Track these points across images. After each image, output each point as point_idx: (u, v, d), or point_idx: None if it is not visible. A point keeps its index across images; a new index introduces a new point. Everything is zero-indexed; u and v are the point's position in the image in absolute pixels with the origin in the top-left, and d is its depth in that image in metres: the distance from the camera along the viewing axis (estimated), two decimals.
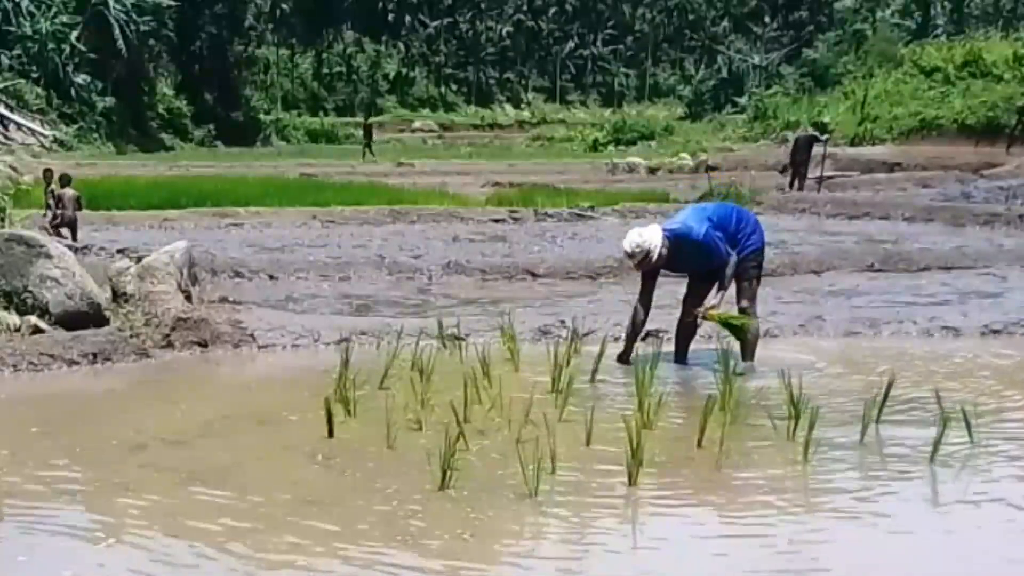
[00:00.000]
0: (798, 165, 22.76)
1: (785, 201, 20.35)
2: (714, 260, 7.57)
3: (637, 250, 7.52)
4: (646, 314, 7.85)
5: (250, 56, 64.30)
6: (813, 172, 22.84)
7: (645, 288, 7.83)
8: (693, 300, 7.85)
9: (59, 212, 14.69)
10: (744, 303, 7.77)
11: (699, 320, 7.79)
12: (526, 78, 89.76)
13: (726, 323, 7.72)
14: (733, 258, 7.54)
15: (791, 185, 22.70)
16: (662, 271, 7.84)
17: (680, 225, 7.72)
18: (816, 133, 24.54)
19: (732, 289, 7.70)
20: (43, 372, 7.75)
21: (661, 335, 8.33)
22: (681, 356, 7.95)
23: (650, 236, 7.51)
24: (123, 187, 19.89)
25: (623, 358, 7.76)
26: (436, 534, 4.75)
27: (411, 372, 7.14)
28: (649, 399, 6.30)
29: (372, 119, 41.67)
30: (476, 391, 6.54)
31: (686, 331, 7.99)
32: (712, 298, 7.59)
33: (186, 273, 9.47)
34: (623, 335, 8.02)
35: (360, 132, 37.79)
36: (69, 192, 14.93)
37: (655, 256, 7.50)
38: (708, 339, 8.42)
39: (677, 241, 7.57)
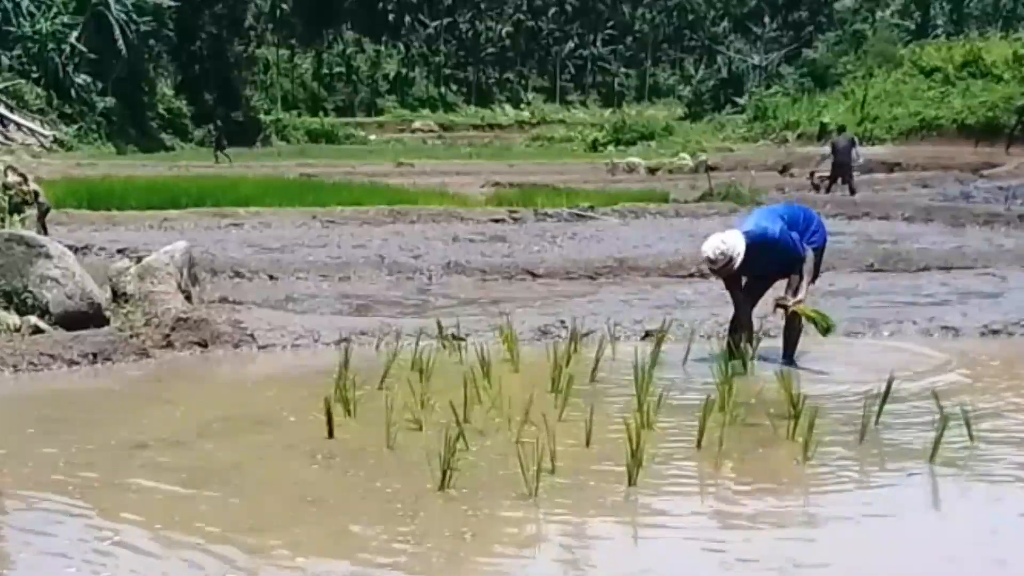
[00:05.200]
0: (843, 168, 22.68)
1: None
2: (791, 257, 7.66)
3: (721, 256, 7.48)
4: (748, 318, 7.87)
5: (250, 56, 64.28)
6: (810, 173, 22.88)
7: (735, 298, 7.86)
8: (752, 298, 7.92)
9: (42, 202, 14.56)
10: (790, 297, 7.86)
11: (782, 313, 7.85)
12: (526, 78, 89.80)
13: (812, 318, 7.78)
14: (810, 252, 7.69)
15: (828, 189, 22.63)
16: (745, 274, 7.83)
17: (755, 227, 7.74)
18: (853, 136, 24.53)
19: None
20: (43, 372, 7.75)
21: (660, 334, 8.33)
22: (742, 354, 7.72)
23: (733, 242, 7.49)
24: (123, 187, 19.87)
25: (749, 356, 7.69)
26: (436, 534, 4.75)
27: (411, 372, 7.14)
28: (649, 399, 6.30)
29: (219, 129, 42.92)
30: (476, 391, 6.54)
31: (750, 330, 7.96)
32: (801, 292, 7.67)
33: (186, 273, 9.46)
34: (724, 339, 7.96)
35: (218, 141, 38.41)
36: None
37: (738, 260, 7.48)
38: (707, 339, 8.44)
39: (754, 244, 7.55)
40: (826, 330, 7.81)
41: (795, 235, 7.70)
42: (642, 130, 44.57)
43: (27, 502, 5.19)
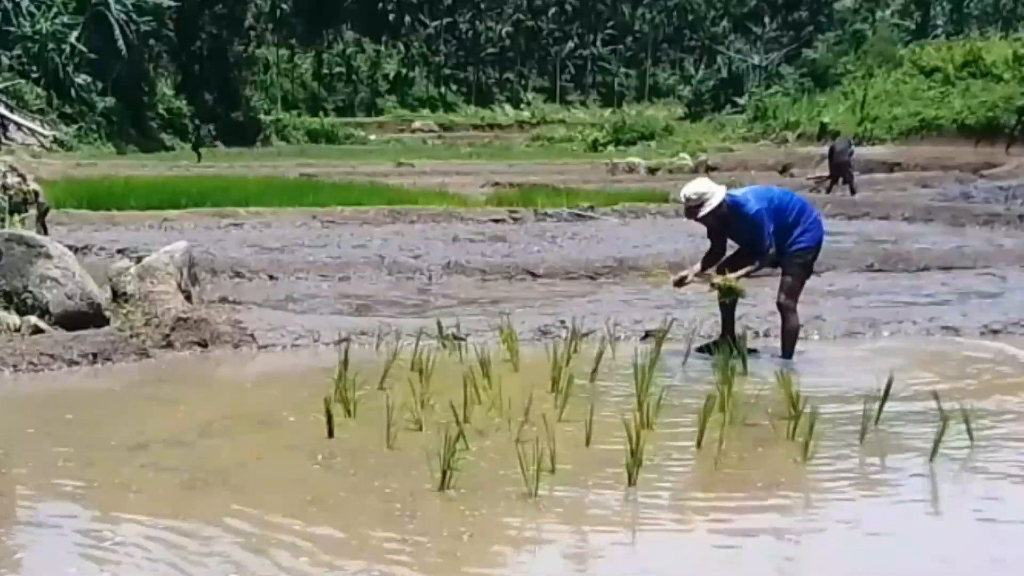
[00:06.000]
0: (844, 169, 22.74)
1: None
2: (755, 243, 7.78)
3: (693, 196, 7.82)
4: (718, 256, 8.12)
5: (250, 56, 64.26)
6: (814, 173, 22.90)
7: (716, 247, 8.15)
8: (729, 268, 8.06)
9: (41, 202, 14.54)
10: (781, 297, 7.96)
11: (712, 288, 8.03)
12: (526, 78, 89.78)
13: (726, 288, 7.88)
14: (770, 252, 7.75)
15: (828, 190, 22.70)
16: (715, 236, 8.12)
17: (740, 195, 7.96)
18: (849, 138, 24.59)
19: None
20: (43, 372, 7.75)
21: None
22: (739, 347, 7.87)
23: (711, 189, 7.84)
24: (123, 187, 19.86)
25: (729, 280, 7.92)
26: (436, 534, 4.75)
27: (411, 372, 7.14)
28: (649, 399, 6.30)
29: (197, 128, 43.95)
30: (476, 391, 6.53)
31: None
32: (736, 274, 7.84)
33: (186, 273, 9.46)
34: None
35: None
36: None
37: (706, 209, 7.74)
38: (708, 339, 8.44)
39: (732, 208, 7.79)
40: (729, 291, 7.90)
41: (770, 226, 7.73)
42: (642, 130, 44.55)
43: (27, 502, 5.19)
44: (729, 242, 8.23)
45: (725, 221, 7.86)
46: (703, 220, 7.90)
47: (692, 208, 7.85)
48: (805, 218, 7.95)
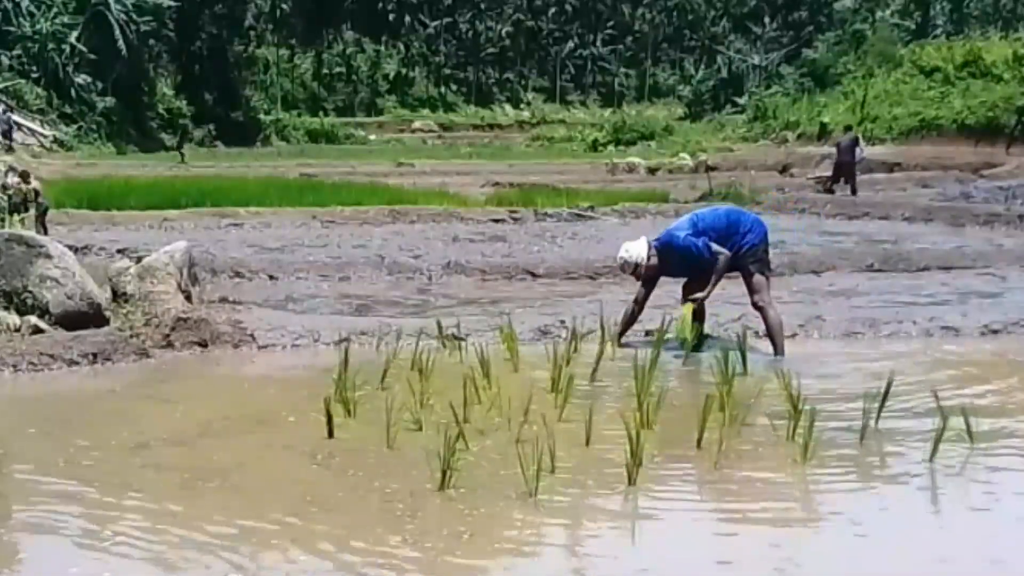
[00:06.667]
0: (846, 167, 22.70)
1: (784, 201, 20.35)
2: (703, 263, 8.05)
3: (623, 263, 8.36)
4: (639, 311, 8.42)
5: (250, 56, 64.35)
6: (814, 173, 22.87)
7: (642, 291, 8.41)
8: (690, 289, 8.34)
9: (40, 202, 14.56)
10: (754, 297, 8.17)
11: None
12: (526, 78, 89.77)
13: (682, 329, 8.10)
14: (722, 257, 7.99)
15: (829, 189, 22.66)
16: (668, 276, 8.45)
17: (664, 234, 8.36)
18: (856, 135, 24.52)
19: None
20: (43, 372, 7.75)
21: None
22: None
23: (636, 249, 8.24)
24: (123, 187, 19.89)
25: (618, 342, 8.25)
26: (436, 534, 4.75)
27: (411, 372, 7.14)
28: (649, 399, 6.30)
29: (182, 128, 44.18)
30: (476, 391, 6.54)
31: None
32: (704, 292, 8.16)
33: (186, 273, 9.47)
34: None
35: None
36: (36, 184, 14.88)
37: (643, 266, 8.21)
38: (707, 339, 8.44)
39: (663, 249, 8.20)
40: (682, 341, 8.08)
41: (701, 241, 8.01)
42: (642, 130, 44.55)
43: (28, 502, 5.19)
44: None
45: (665, 262, 8.21)
46: (649, 272, 8.24)
47: (633, 271, 8.29)
48: (739, 223, 8.26)
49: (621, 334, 8.35)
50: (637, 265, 8.22)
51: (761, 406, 6.52)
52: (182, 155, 36.45)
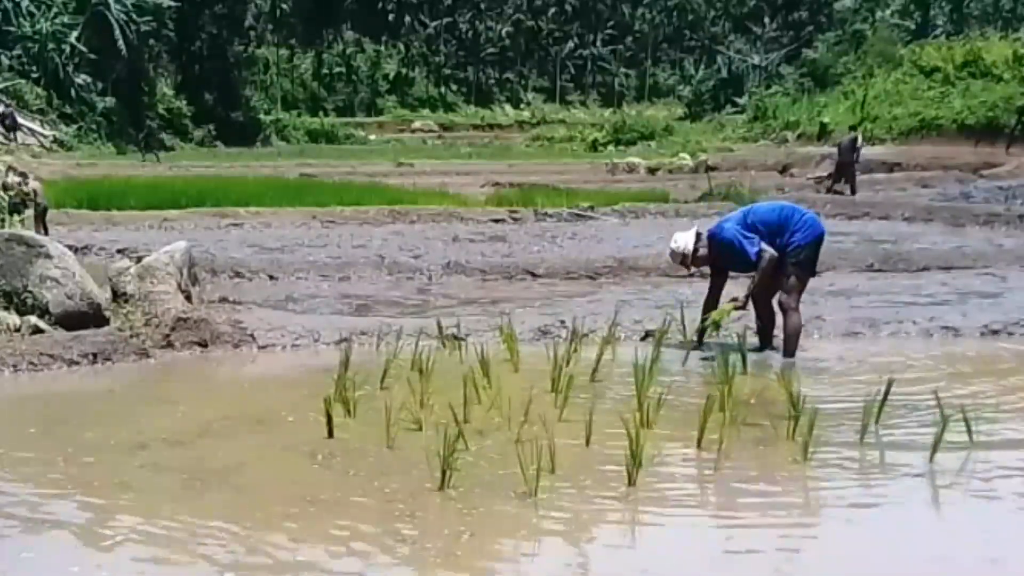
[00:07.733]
0: (846, 167, 22.75)
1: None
2: (746, 260, 7.99)
3: (672, 253, 8.41)
4: (712, 303, 8.36)
5: (250, 56, 64.29)
6: (813, 173, 22.86)
7: (711, 284, 8.48)
8: (713, 298, 8.37)
9: (39, 202, 14.55)
10: (782, 296, 8.06)
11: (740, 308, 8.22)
12: (526, 78, 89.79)
13: (716, 321, 8.15)
14: (767, 255, 7.88)
15: (830, 189, 22.68)
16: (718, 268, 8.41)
17: (716, 225, 8.37)
18: (857, 135, 24.53)
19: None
20: (43, 372, 7.75)
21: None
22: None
23: (683, 239, 8.28)
24: (123, 187, 19.89)
25: (699, 340, 8.32)
26: (436, 534, 4.75)
27: (411, 372, 7.14)
28: (649, 399, 6.30)
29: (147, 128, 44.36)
30: (476, 391, 6.54)
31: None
32: (747, 290, 8.07)
33: (186, 273, 9.47)
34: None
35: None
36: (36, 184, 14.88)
37: (691, 256, 8.26)
38: (708, 339, 8.44)
39: (711, 240, 8.20)
40: (716, 325, 8.18)
41: (746, 238, 7.93)
42: (642, 130, 44.51)
43: (27, 502, 5.19)
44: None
45: (715, 254, 8.21)
46: (700, 263, 8.36)
47: (683, 260, 8.35)
48: (795, 220, 8.10)
49: (701, 332, 8.30)
50: (684, 255, 8.26)
51: (761, 406, 6.52)
52: (142, 154, 36.32)
